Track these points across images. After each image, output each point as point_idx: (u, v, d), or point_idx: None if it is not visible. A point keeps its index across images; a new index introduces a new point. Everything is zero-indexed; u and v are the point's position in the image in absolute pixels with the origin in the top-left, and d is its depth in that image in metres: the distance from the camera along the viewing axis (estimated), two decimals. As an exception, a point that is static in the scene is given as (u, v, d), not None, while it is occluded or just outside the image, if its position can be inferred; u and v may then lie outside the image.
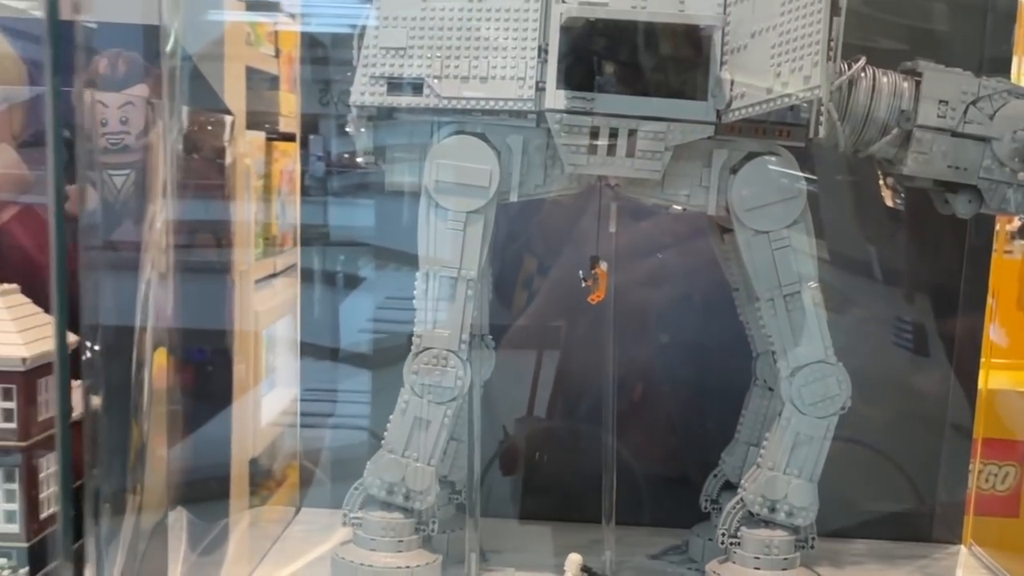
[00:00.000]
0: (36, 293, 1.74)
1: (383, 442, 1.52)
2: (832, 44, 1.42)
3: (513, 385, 1.83)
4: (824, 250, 1.59)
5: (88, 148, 1.71)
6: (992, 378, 1.86)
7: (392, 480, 1.51)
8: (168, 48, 1.45)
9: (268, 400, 2.15)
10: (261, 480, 2.08)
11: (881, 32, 1.73)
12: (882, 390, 1.79)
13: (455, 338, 1.49)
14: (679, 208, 1.54)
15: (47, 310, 1.70)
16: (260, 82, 2.04)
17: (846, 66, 1.48)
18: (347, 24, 1.56)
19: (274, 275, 2.17)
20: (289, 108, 2.22)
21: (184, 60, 1.63)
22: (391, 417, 1.52)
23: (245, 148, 2.03)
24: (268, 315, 2.11)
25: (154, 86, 1.79)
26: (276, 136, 2.14)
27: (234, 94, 1.94)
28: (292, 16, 2.08)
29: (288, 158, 2.22)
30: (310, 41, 2.00)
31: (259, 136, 2.04)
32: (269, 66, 2.09)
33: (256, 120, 1.98)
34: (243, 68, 1.95)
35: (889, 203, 1.83)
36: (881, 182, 1.81)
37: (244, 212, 2.05)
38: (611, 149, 1.44)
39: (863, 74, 1.50)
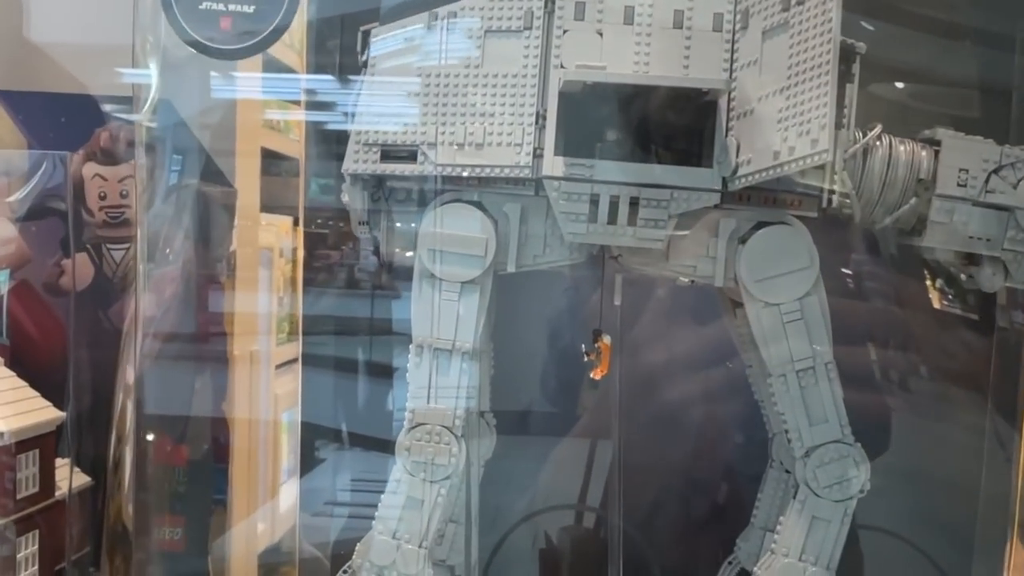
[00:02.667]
0: (26, 366, 1.70)
1: (374, 522, 1.44)
2: (846, 111, 1.37)
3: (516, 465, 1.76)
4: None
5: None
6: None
7: (382, 563, 1.44)
8: (145, 108, 1.40)
9: (287, 485, 2.09)
10: (282, 568, 2.00)
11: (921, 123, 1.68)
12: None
13: (449, 414, 1.43)
14: (686, 280, 1.48)
15: (36, 383, 1.66)
16: (288, 168, 2.01)
17: (860, 134, 1.42)
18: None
19: (295, 360, 2.11)
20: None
21: (178, 127, 1.60)
22: (382, 497, 1.44)
23: (257, 229, 1.98)
24: (288, 398, 2.06)
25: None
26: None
27: (247, 174, 1.89)
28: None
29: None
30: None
31: (285, 220, 2.01)
32: (295, 151, 2.06)
33: (283, 205, 1.95)
34: (257, 148, 1.92)
35: (936, 305, 1.76)
36: (928, 283, 1.75)
37: (254, 295, 2.00)
38: (612, 217, 1.38)
39: (879, 142, 1.43)
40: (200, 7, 1.31)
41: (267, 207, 1.93)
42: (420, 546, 1.43)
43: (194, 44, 1.32)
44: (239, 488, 1.92)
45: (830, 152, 1.27)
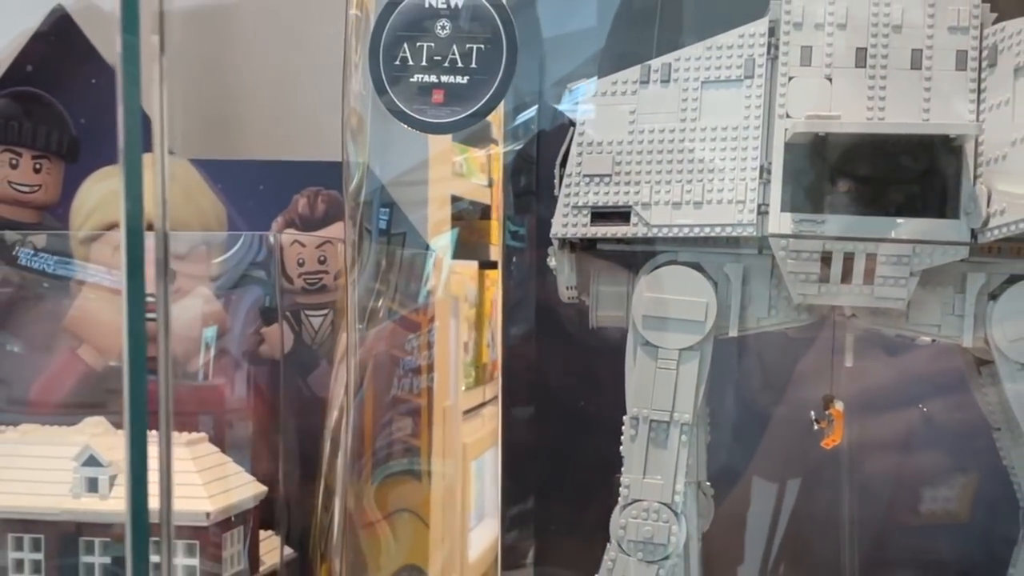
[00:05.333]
0: (223, 438, 1.69)
1: (590, 609, 1.36)
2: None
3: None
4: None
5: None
6: None
7: (601, 652, 1.35)
8: (352, 185, 1.36)
9: (477, 534, 2.04)
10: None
11: None
12: None
13: (668, 489, 1.33)
14: (927, 340, 1.36)
15: (239, 458, 1.65)
16: (472, 212, 1.98)
17: None
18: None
19: (483, 404, 2.06)
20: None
21: (374, 191, 1.56)
22: (598, 577, 1.36)
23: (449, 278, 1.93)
24: (476, 446, 2.02)
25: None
26: (489, 265, 2.04)
27: (439, 224, 1.85)
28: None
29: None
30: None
31: (471, 265, 1.97)
32: (481, 196, 2.01)
33: (468, 250, 1.91)
34: (448, 197, 1.87)
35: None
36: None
37: (450, 345, 1.96)
38: (846, 276, 1.27)
39: None
40: (412, 80, 1.26)
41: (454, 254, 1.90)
42: (642, 632, 1.34)
43: (404, 118, 1.27)
44: (434, 542, 1.89)
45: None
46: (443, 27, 1.28)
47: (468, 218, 1.94)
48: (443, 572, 1.92)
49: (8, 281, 1.77)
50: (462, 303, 2.03)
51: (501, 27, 1.28)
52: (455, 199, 1.92)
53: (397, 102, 1.28)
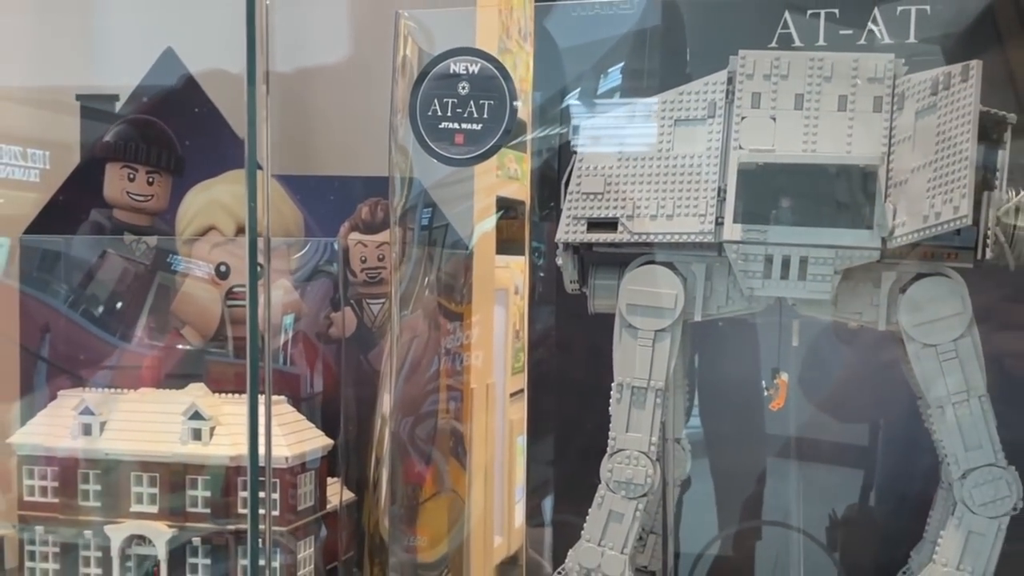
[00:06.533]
0: (300, 403, 2.06)
1: (583, 532, 1.71)
2: (998, 175, 1.56)
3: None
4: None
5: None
6: None
7: (589, 566, 1.69)
8: (397, 197, 1.73)
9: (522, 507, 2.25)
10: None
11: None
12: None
13: (645, 441, 1.67)
14: (854, 325, 1.69)
15: (312, 418, 2.03)
16: (522, 211, 2.21)
17: (1013, 193, 1.58)
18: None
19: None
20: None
21: (417, 196, 1.91)
22: (590, 510, 1.71)
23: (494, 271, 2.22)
24: (521, 423, 2.23)
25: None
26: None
27: (482, 211, 2.14)
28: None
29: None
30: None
31: (519, 260, 2.22)
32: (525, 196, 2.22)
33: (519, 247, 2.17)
34: (492, 200, 2.15)
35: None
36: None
37: (494, 328, 2.25)
38: (784, 273, 1.59)
39: (1029, 200, 1.60)
40: (439, 127, 1.68)
41: (504, 249, 2.19)
42: (622, 552, 1.68)
43: (434, 155, 1.70)
44: (476, 504, 2.17)
45: (968, 217, 1.47)
46: (463, 87, 1.69)
47: (521, 218, 2.20)
48: (485, 544, 2.20)
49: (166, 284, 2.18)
50: (511, 294, 2.32)
51: (505, 87, 1.68)
52: (507, 201, 2.19)
53: (430, 143, 1.70)
